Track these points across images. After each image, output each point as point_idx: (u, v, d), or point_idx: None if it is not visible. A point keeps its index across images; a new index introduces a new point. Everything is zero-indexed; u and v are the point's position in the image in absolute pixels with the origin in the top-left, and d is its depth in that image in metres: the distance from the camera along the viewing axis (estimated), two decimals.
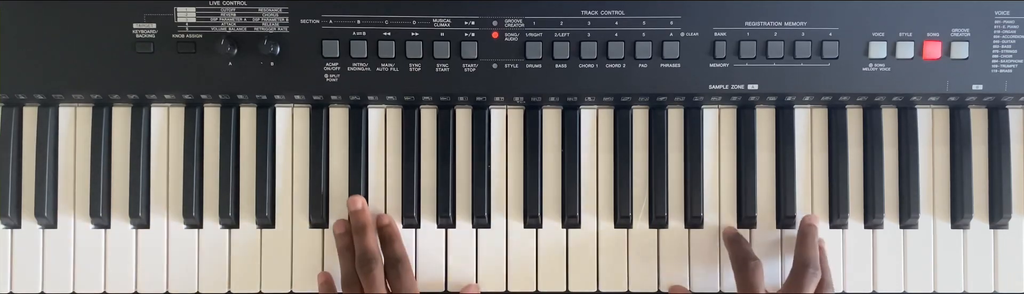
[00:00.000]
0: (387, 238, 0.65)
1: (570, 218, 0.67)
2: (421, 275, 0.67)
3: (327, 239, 0.67)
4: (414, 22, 0.63)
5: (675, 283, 0.67)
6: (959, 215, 0.67)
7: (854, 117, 0.68)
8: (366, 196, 0.67)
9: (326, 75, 0.63)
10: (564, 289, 0.67)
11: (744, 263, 0.63)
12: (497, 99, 0.66)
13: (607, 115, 0.68)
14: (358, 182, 0.67)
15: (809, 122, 0.68)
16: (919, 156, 0.67)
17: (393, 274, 0.63)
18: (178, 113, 0.67)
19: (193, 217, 0.66)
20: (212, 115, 0.67)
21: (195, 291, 0.66)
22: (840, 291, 0.67)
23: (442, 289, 0.67)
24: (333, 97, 0.65)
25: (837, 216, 0.67)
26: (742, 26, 0.63)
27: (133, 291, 0.66)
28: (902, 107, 0.68)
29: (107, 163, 0.67)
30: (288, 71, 0.63)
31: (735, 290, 0.66)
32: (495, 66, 0.63)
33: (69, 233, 0.67)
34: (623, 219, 0.67)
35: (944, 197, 0.68)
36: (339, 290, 0.65)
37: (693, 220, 0.67)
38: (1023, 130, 0.68)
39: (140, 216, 0.66)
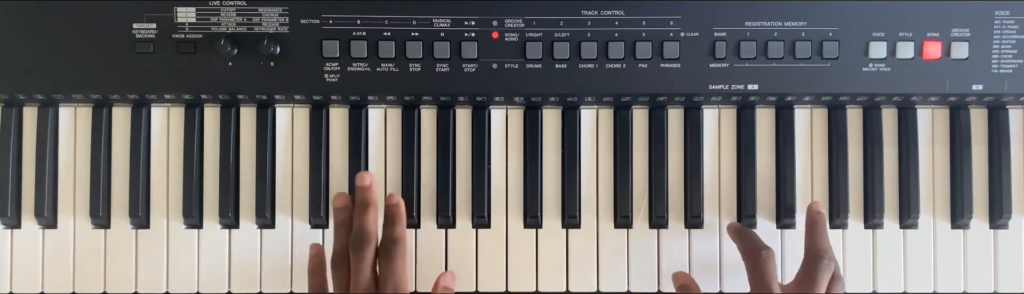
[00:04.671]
0: (390, 218, 0.63)
1: (570, 218, 0.67)
2: (421, 275, 0.67)
3: (327, 239, 0.67)
4: (414, 22, 0.63)
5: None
6: (959, 215, 0.67)
7: (854, 117, 0.68)
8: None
9: (326, 75, 0.63)
10: (564, 289, 0.67)
11: (756, 253, 0.61)
12: (497, 99, 0.66)
13: (607, 115, 0.68)
14: None
15: (809, 122, 0.68)
16: (919, 156, 0.67)
17: (385, 256, 0.60)
18: (178, 113, 0.67)
19: (193, 217, 0.66)
20: (212, 115, 0.67)
21: (195, 291, 0.67)
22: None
23: None
24: (333, 97, 0.65)
25: (837, 216, 0.67)
26: (742, 26, 0.63)
27: (133, 291, 0.67)
28: (902, 107, 0.68)
29: (107, 163, 0.67)
30: (288, 71, 0.63)
31: (733, 291, 0.66)
32: (495, 66, 0.63)
33: (69, 233, 0.67)
34: (623, 219, 0.67)
35: (944, 197, 0.68)
36: (328, 267, 0.63)
37: (693, 220, 0.67)
38: (1023, 130, 0.68)
39: (140, 216, 0.66)
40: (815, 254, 0.61)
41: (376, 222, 0.63)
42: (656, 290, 0.67)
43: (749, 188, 0.67)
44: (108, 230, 0.67)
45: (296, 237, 0.67)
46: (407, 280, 0.61)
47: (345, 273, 0.61)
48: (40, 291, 0.66)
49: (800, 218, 0.67)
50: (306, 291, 0.66)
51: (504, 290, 0.67)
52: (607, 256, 0.67)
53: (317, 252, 0.64)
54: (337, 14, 0.63)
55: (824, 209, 0.65)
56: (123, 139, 0.67)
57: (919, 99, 0.66)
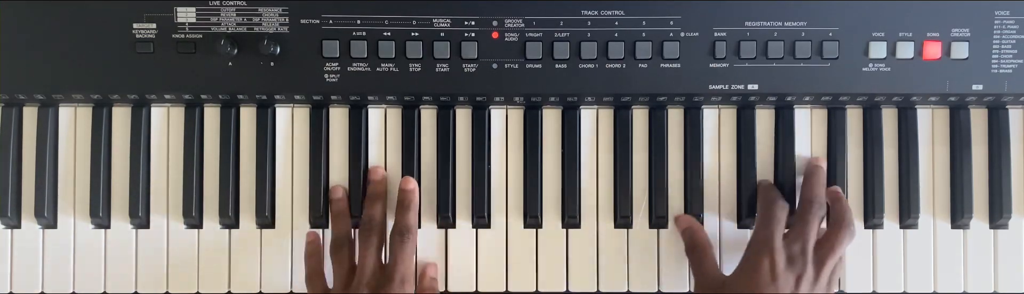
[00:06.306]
0: (403, 205, 0.65)
1: (570, 218, 0.67)
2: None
3: (327, 239, 0.67)
4: (414, 22, 0.63)
5: (674, 282, 0.67)
6: (959, 215, 0.67)
7: (854, 117, 0.68)
8: (366, 196, 0.67)
9: (326, 75, 0.63)
10: (564, 289, 0.67)
11: (773, 202, 0.64)
12: (497, 99, 0.66)
13: (607, 115, 0.68)
14: (358, 182, 0.67)
15: (809, 122, 0.68)
16: (919, 156, 0.67)
17: (398, 242, 0.63)
18: (178, 113, 0.67)
19: (193, 217, 0.66)
20: (212, 115, 0.67)
21: (195, 291, 0.67)
22: (839, 291, 0.67)
23: (442, 289, 0.67)
24: (333, 97, 0.65)
25: None
26: (742, 26, 0.63)
27: (133, 291, 0.67)
28: (902, 107, 0.68)
29: (107, 163, 0.67)
30: (288, 71, 0.63)
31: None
32: (495, 66, 0.63)
33: (69, 233, 0.67)
34: (623, 219, 0.67)
35: (944, 197, 0.68)
36: (326, 252, 0.65)
37: None
38: (1023, 130, 0.68)
39: (140, 216, 0.66)
40: (809, 200, 0.64)
41: (384, 213, 0.66)
42: (656, 290, 0.67)
43: (749, 188, 0.67)
44: (108, 230, 0.67)
45: (296, 237, 0.67)
46: (413, 268, 0.64)
47: (346, 256, 0.64)
48: (40, 291, 0.66)
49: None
50: (306, 291, 0.66)
51: (504, 290, 0.67)
52: (607, 256, 0.67)
53: (313, 239, 0.66)
54: (337, 14, 0.63)
55: (824, 164, 0.66)
56: (123, 139, 0.67)
57: (919, 99, 0.66)
